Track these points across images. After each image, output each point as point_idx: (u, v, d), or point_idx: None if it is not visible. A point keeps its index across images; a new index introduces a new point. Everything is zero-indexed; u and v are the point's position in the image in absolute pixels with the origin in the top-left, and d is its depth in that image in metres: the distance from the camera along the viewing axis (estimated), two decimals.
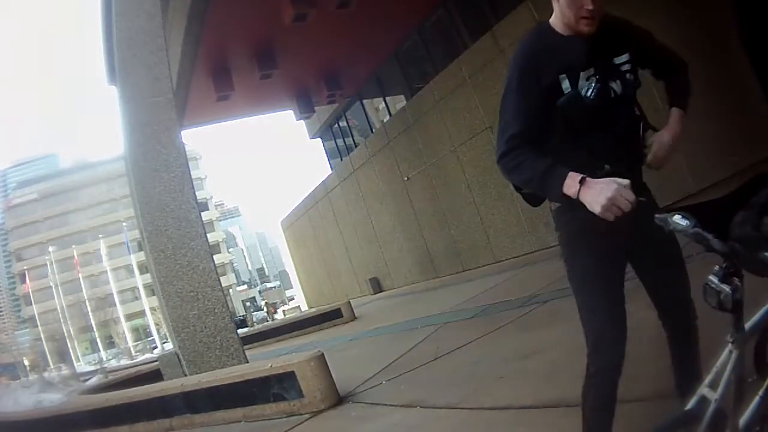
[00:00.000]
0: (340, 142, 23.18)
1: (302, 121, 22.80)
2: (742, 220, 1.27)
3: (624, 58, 2.03)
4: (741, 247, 1.26)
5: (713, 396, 1.46)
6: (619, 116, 2.00)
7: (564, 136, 1.98)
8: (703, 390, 1.49)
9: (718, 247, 1.28)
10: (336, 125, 22.79)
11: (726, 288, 1.30)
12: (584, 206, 1.77)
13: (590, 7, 1.88)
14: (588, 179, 1.74)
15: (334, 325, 13.25)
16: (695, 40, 10.86)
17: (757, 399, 1.51)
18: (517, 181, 2.05)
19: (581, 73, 1.93)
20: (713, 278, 1.33)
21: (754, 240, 1.26)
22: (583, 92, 1.92)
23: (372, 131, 19.66)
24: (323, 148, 24.89)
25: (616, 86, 2.01)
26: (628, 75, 2.04)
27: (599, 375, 2.01)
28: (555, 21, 2.01)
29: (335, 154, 23.73)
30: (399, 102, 17.92)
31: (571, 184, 1.77)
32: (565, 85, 1.93)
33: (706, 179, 9.85)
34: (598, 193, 1.70)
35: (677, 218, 1.35)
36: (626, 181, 1.71)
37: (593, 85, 1.91)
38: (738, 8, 10.96)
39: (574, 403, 3.13)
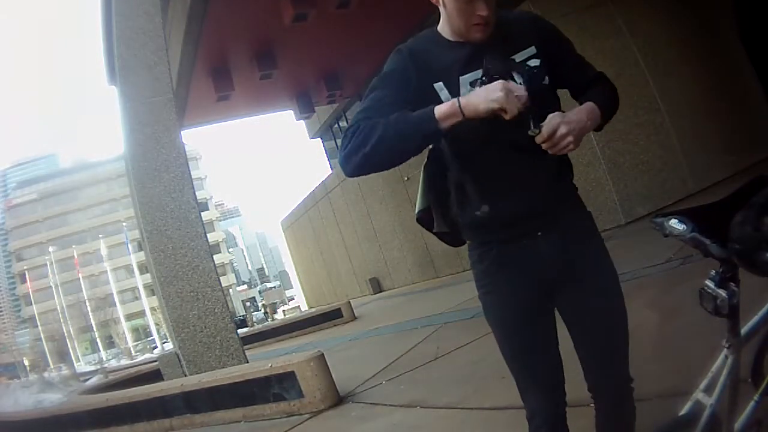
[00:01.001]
0: (340, 142, 23.18)
1: (302, 121, 22.82)
2: (742, 220, 1.27)
3: (527, 53, 1.69)
4: (741, 248, 1.26)
5: (708, 401, 1.46)
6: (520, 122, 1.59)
7: (449, 156, 1.80)
8: (698, 395, 1.49)
9: (716, 252, 1.27)
10: (336, 125, 22.79)
11: (722, 293, 1.29)
12: (494, 234, 1.66)
13: (484, 13, 1.59)
14: (464, 97, 1.52)
15: (334, 325, 13.25)
16: (695, 40, 10.88)
17: (752, 403, 1.52)
18: (375, 153, 1.58)
19: (462, 78, 1.65)
20: (710, 283, 1.33)
21: (754, 240, 1.25)
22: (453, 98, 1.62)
23: None
24: (323, 148, 24.90)
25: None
26: (534, 70, 1.67)
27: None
28: (442, 27, 1.75)
29: (335, 154, 23.71)
30: None
31: (448, 109, 1.51)
32: (444, 94, 1.65)
33: (706, 179, 9.85)
34: (486, 95, 1.47)
35: (674, 222, 1.34)
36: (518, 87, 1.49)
37: (478, 87, 1.60)
38: (738, 8, 10.97)
39: (573, 402, 3.14)
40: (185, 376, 6.78)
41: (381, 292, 19.71)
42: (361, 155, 1.59)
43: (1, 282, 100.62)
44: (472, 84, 1.63)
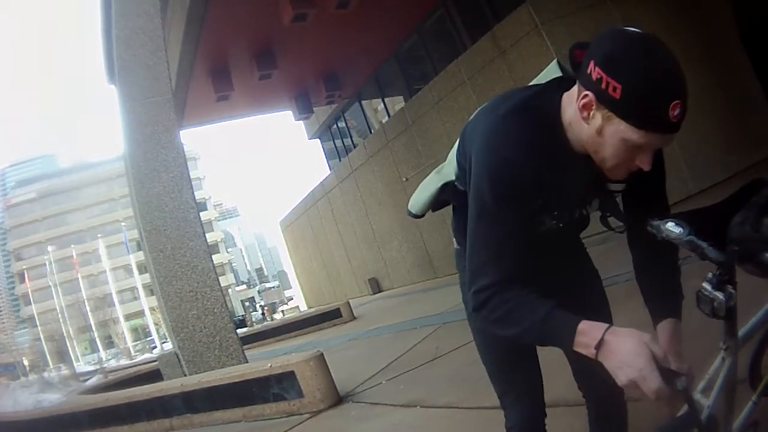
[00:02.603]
0: (338, 142, 23.18)
1: (301, 122, 22.82)
2: (742, 220, 1.27)
3: (620, 186, 1.51)
4: (740, 248, 1.26)
5: (706, 402, 1.46)
6: (572, 230, 1.60)
7: None
8: (696, 396, 1.49)
9: (714, 255, 1.27)
10: (335, 126, 22.79)
11: (720, 296, 1.29)
12: None
13: (646, 168, 1.30)
14: (607, 339, 1.22)
15: (334, 325, 13.25)
16: (695, 39, 10.88)
17: (749, 404, 1.52)
18: (504, 334, 1.37)
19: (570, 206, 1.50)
20: (707, 285, 1.32)
21: (753, 241, 1.26)
22: (554, 223, 1.50)
23: (371, 132, 19.67)
24: (322, 148, 24.89)
25: (591, 207, 1.59)
26: (614, 198, 1.55)
27: None
28: (570, 125, 1.37)
29: (334, 155, 23.73)
30: (398, 103, 17.91)
31: (587, 342, 1.24)
32: (546, 222, 1.49)
33: (706, 179, 9.87)
34: (622, 364, 1.18)
35: (670, 225, 1.33)
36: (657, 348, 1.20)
37: (571, 216, 1.52)
38: (737, 8, 10.98)
39: (572, 402, 3.14)
40: (185, 376, 6.78)
41: (380, 292, 19.71)
42: (493, 327, 1.37)
43: (0, 282, 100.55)
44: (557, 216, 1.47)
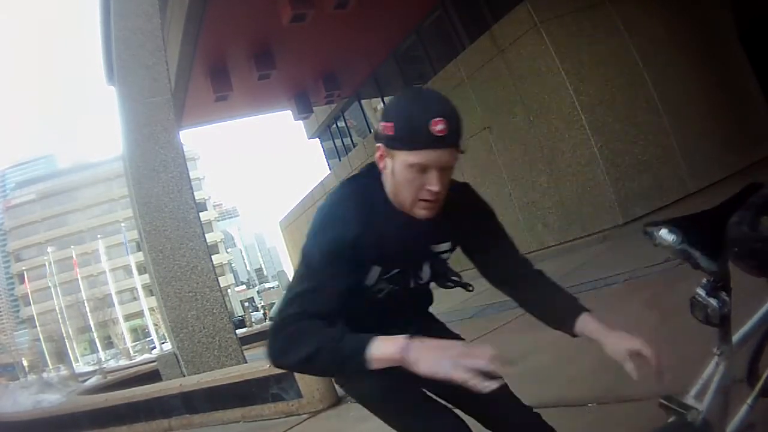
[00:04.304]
0: (338, 142, 23.18)
1: (300, 122, 22.82)
2: (739, 220, 1.27)
3: (444, 246, 1.66)
4: (738, 248, 1.25)
5: (699, 407, 1.45)
6: (411, 305, 1.70)
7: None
8: (689, 401, 1.49)
9: (707, 265, 1.26)
10: (334, 125, 22.79)
11: (713, 302, 1.28)
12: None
13: (435, 188, 1.42)
14: (413, 342, 1.29)
15: None
16: (694, 40, 10.89)
17: (745, 407, 1.51)
18: (296, 359, 1.37)
19: (389, 262, 1.55)
20: (701, 291, 1.32)
21: (751, 240, 1.25)
22: (379, 289, 1.58)
23: (370, 131, 19.66)
24: (321, 148, 24.89)
25: (423, 274, 1.67)
26: (445, 264, 1.71)
27: None
28: (388, 190, 1.53)
29: (333, 155, 23.73)
30: None
31: (392, 347, 1.29)
32: (371, 275, 1.55)
33: (705, 179, 9.86)
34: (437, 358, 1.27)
35: (664, 232, 1.32)
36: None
37: (395, 282, 1.59)
38: (737, 8, 10.99)
39: (572, 402, 3.14)
40: (184, 376, 6.78)
41: None
42: (287, 347, 1.38)
43: (0, 282, 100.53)
44: (390, 279, 1.56)
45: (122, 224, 62.03)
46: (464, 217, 1.65)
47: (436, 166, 1.42)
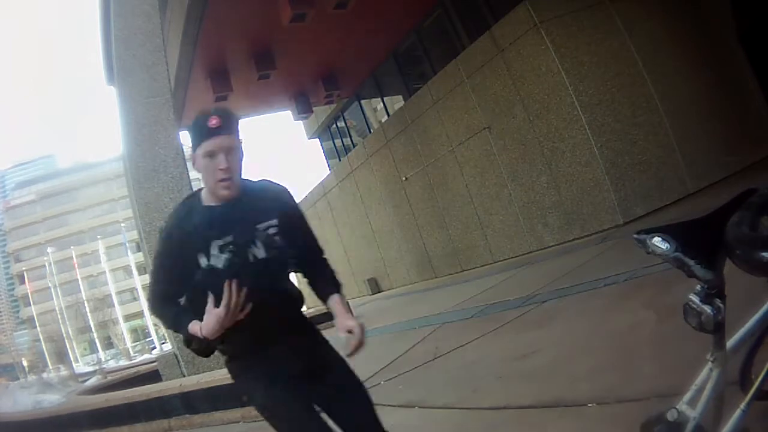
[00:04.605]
0: (338, 142, 23.17)
1: (300, 122, 22.81)
2: (739, 220, 1.26)
3: (268, 224, 2.01)
4: (738, 248, 1.25)
5: (692, 413, 1.45)
6: (264, 281, 1.97)
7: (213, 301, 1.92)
8: (682, 407, 1.48)
9: (701, 274, 1.25)
10: (334, 125, 22.78)
11: (707, 309, 1.27)
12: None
13: (223, 166, 1.92)
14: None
15: (333, 326, 13.20)
16: (694, 40, 10.89)
17: (738, 412, 1.51)
18: (163, 322, 2.19)
19: (214, 243, 1.95)
20: (694, 298, 1.30)
21: (751, 240, 1.25)
22: (217, 264, 1.95)
23: (370, 131, 19.66)
24: (321, 148, 24.87)
25: (257, 251, 1.98)
26: (275, 238, 2.01)
27: None
28: (204, 190, 2.06)
29: (333, 155, 23.71)
30: (397, 102, 17.91)
31: (197, 327, 1.93)
32: (203, 261, 1.95)
33: (704, 179, 9.87)
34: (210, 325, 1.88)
35: (657, 240, 1.31)
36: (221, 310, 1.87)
37: (226, 254, 1.94)
38: (736, 8, 10.98)
39: (572, 403, 3.14)
40: (184, 376, 6.78)
41: (379, 292, 19.70)
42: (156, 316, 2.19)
43: (0, 283, 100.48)
44: (221, 248, 1.95)
45: (122, 224, 62.03)
46: (276, 206, 2.06)
47: (220, 149, 1.92)
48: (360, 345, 2.01)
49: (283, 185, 2.16)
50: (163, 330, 38.80)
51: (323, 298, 2.19)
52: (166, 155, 7.32)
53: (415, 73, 17.04)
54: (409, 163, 15.79)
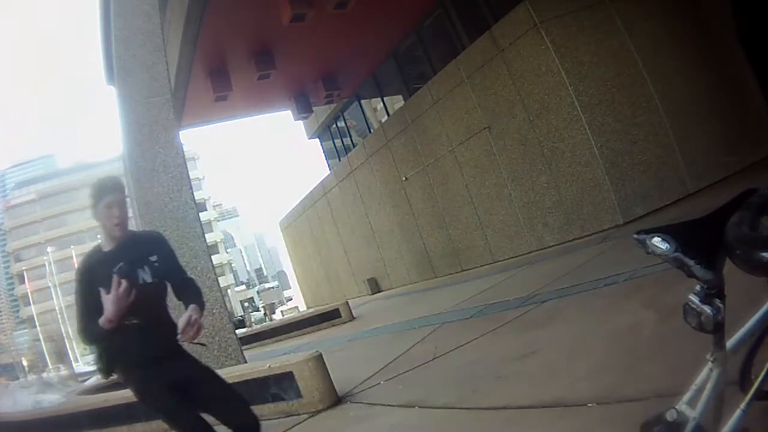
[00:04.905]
0: (338, 142, 23.18)
1: (300, 122, 22.81)
2: (739, 220, 1.26)
3: (152, 258, 2.84)
4: (739, 249, 1.24)
5: (692, 414, 1.44)
6: (151, 298, 2.79)
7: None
8: (682, 407, 1.47)
9: (701, 274, 1.24)
10: (334, 125, 22.80)
11: (707, 309, 1.26)
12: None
13: (117, 215, 2.77)
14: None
15: (333, 326, 13.23)
16: (693, 40, 10.89)
17: (738, 412, 1.50)
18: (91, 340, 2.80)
19: (112, 273, 2.62)
20: (694, 298, 1.30)
21: (751, 240, 1.24)
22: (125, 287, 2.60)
23: (370, 131, 19.67)
24: (321, 148, 24.89)
25: (145, 276, 2.77)
26: (155, 265, 2.82)
27: None
28: (101, 241, 2.89)
29: (333, 155, 23.73)
30: (397, 102, 17.92)
31: (103, 320, 2.60)
32: (104, 296, 2.60)
33: (704, 179, 9.87)
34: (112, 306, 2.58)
35: (656, 241, 1.30)
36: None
37: (121, 274, 2.61)
38: (736, 8, 10.98)
39: (571, 403, 3.14)
40: None
41: (379, 292, 19.70)
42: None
43: (0, 283, 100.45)
44: (117, 271, 2.62)
45: None
46: (152, 245, 2.94)
47: (115, 203, 2.77)
48: (185, 326, 2.63)
49: (158, 232, 3.34)
50: None
51: (186, 306, 2.80)
52: (166, 155, 7.31)
53: (415, 73, 17.06)
54: (409, 163, 15.79)
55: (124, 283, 2.56)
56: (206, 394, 2.85)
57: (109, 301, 2.55)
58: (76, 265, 2.90)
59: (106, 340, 2.70)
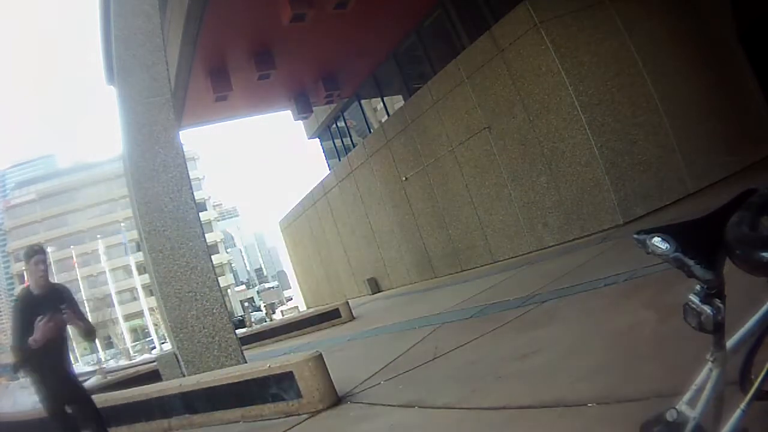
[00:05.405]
0: (338, 142, 23.18)
1: (300, 122, 22.81)
2: (739, 220, 1.26)
3: (63, 305, 4.31)
4: (739, 249, 1.24)
5: (692, 414, 1.44)
6: (60, 330, 4.38)
7: None
8: (682, 407, 1.47)
9: (701, 274, 1.24)
10: (334, 125, 22.80)
11: (707, 309, 1.26)
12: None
13: (42, 269, 4.36)
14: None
15: (333, 326, 13.23)
16: (694, 40, 10.89)
17: (738, 413, 1.50)
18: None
19: (37, 311, 4.18)
20: (694, 298, 1.30)
21: (751, 240, 1.24)
22: (39, 321, 4.13)
23: (370, 131, 19.67)
24: (321, 148, 24.89)
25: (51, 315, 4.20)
26: (62, 307, 4.26)
27: None
28: (30, 285, 4.41)
29: (333, 155, 23.73)
30: (397, 102, 17.92)
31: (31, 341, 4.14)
32: (34, 319, 4.12)
33: (704, 179, 9.87)
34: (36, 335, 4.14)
35: (656, 241, 1.30)
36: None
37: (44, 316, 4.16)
38: (737, 9, 10.98)
39: (571, 403, 3.14)
40: (183, 376, 6.77)
41: (379, 292, 19.70)
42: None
43: (0, 283, 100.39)
44: (39, 318, 4.11)
45: (122, 224, 61.97)
46: (62, 294, 4.48)
47: (41, 261, 4.38)
48: (45, 321, 4.15)
49: (65, 285, 4.77)
50: (163, 330, 38.75)
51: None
52: (166, 155, 7.31)
53: (415, 73, 17.06)
54: (409, 163, 15.78)
55: (48, 319, 4.10)
56: (71, 396, 4.51)
57: (39, 330, 4.06)
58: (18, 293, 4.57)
59: (28, 352, 4.13)
